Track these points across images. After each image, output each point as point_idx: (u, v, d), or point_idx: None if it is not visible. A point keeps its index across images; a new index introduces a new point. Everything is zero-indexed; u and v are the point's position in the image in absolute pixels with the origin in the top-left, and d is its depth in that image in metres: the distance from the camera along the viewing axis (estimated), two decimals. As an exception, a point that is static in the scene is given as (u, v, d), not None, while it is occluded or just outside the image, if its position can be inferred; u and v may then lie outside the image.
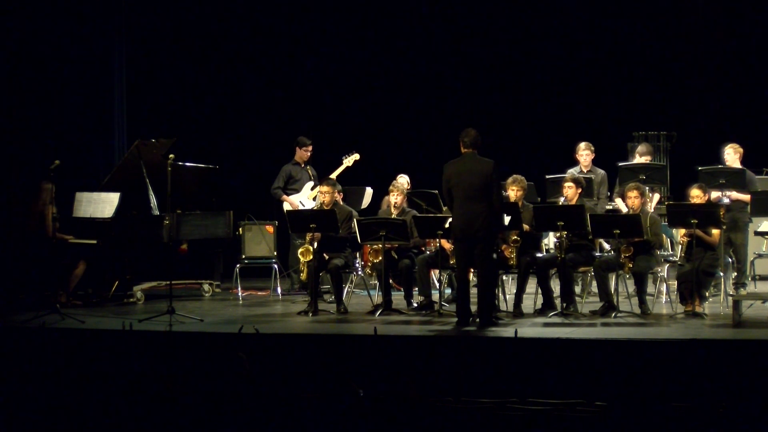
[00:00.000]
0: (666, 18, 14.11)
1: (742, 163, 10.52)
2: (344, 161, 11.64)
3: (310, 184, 11.69)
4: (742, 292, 10.24)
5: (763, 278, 11.52)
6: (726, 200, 10.23)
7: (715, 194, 10.19)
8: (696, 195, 9.51)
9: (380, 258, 9.80)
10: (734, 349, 7.79)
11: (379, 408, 7.08)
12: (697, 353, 7.61)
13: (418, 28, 14.63)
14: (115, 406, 7.39)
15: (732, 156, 10.47)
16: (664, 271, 10.09)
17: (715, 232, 9.36)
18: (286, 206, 11.52)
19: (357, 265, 10.76)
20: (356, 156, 11.64)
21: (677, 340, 7.99)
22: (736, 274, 10.40)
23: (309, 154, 11.88)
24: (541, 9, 14.37)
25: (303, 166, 11.87)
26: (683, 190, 10.01)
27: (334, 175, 11.38)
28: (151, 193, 10.97)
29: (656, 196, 10.87)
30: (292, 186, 11.78)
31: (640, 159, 10.99)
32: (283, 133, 13.32)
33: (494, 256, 9.23)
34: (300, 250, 9.94)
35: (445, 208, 10.24)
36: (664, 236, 10.06)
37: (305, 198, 11.63)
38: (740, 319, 8.96)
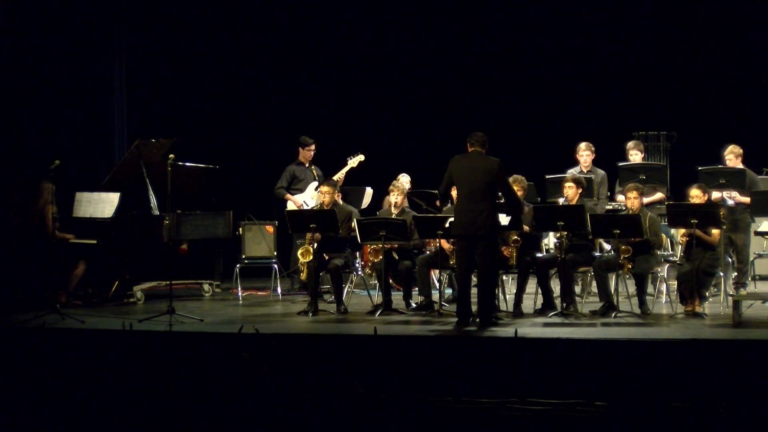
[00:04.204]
0: (666, 18, 14.12)
1: (742, 163, 10.51)
2: (349, 162, 11.63)
3: (315, 183, 11.66)
4: (743, 292, 10.23)
5: (763, 278, 11.53)
6: (731, 202, 10.23)
7: (716, 195, 10.18)
8: (696, 195, 9.52)
9: (380, 258, 9.80)
10: (734, 349, 7.78)
11: (379, 408, 7.09)
12: (697, 353, 7.61)
13: (420, 28, 14.63)
14: (116, 406, 7.39)
15: (734, 160, 10.46)
16: (664, 271, 10.09)
17: (715, 231, 9.37)
18: (290, 206, 11.53)
19: (357, 265, 10.76)
20: (361, 157, 11.62)
21: (677, 340, 7.99)
22: (736, 274, 10.40)
23: (312, 153, 11.86)
24: (542, 9, 14.37)
25: (307, 165, 11.85)
26: (683, 190, 10.01)
27: (338, 176, 11.39)
28: (151, 193, 10.97)
29: (658, 194, 10.79)
30: (296, 186, 11.77)
31: (634, 156, 10.97)
32: (283, 133, 13.33)
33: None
34: (300, 251, 9.94)
35: (445, 208, 10.25)
36: (664, 236, 10.06)
37: (309, 198, 11.62)
38: (740, 319, 8.96)
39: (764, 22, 13.65)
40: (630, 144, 11.16)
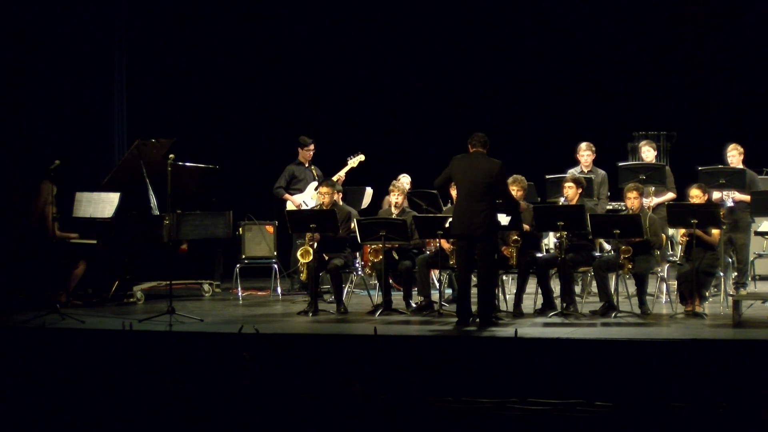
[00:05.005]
0: (666, 18, 14.12)
1: (743, 162, 10.51)
2: (349, 162, 11.64)
3: (314, 183, 11.65)
4: (743, 292, 10.23)
5: (763, 278, 11.52)
6: (730, 203, 10.22)
7: (716, 195, 10.18)
8: (696, 195, 9.52)
9: (380, 258, 9.80)
10: (734, 349, 7.78)
11: (379, 408, 7.08)
12: (697, 353, 7.61)
13: (420, 29, 14.63)
14: (116, 406, 7.39)
15: (737, 158, 10.47)
16: (664, 271, 10.09)
17: (715, 231, 9.37)
18: (290, 206, 11.52)
19: (357, 265, 10.76)
20: (361, 157, 11.62)
21: (677, 340, 7.99)
22: (736, 274, 10.40)
23: (311, 153, 11.86)
24: (541, 9, 14.37)
25: (307, 165, 11.85)
26: (683, 190, 10.01)
27: (338, 176, 11.38)
28: (151, 193, 10.97)
29: (669, 194, 10.71)
30: (296, 186, 11.77)
31: (647, 153, 10.93)
32: (284, 133, 13.33)
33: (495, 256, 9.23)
34: (299, 251, 9.94)
35: (446, 208, 10.25)
36: (664, 236, 10.05)
37: (308, 198, 11.62)
38: (740, 319, 8.96)
39: (764, 22, 13.64)
40: (643, 142, 11.13)
